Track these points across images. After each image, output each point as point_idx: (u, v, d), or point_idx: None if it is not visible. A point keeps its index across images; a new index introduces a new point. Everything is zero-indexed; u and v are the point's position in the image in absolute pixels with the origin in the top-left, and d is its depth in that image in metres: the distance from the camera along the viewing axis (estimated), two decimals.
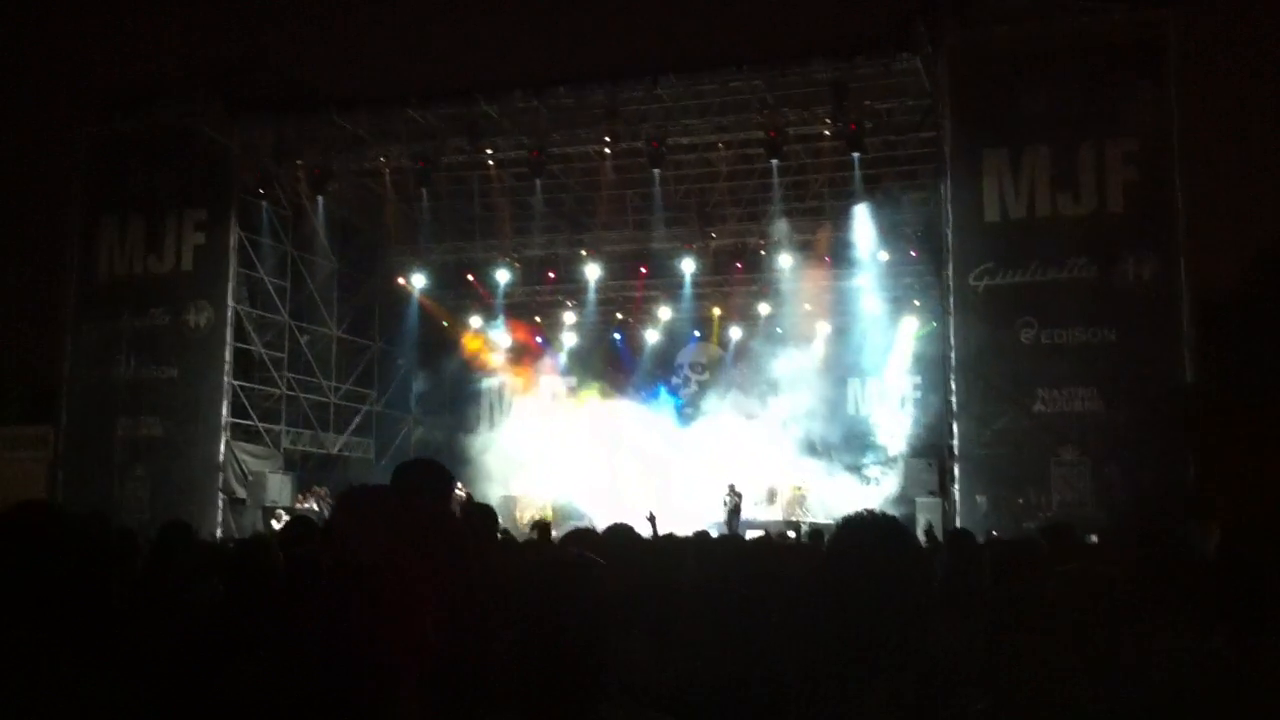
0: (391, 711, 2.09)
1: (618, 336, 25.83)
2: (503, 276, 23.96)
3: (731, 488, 21.39)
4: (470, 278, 24.26)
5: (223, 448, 20.35)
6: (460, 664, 2.41)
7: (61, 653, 2.30)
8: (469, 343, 25.81)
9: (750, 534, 18.57)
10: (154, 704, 2.42)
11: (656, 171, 19.53)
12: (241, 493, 20.49)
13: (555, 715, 2.28)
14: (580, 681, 2.33)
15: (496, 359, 26.20)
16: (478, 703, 2.44)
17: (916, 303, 22.81)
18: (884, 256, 21.59)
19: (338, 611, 2.11)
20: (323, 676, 2.08)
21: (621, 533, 6.06)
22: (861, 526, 2.71)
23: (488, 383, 26.53)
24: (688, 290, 23.79)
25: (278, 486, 21.03)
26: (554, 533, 19.01)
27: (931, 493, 19.22)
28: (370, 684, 2.07)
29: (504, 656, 2.41)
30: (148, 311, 20.53)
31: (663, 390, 25.24)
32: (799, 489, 22.12)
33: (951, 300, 17.14)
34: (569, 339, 25.79)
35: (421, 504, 3.34)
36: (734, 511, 21.03)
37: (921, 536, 14.60)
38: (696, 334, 25.64)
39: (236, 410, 20.80)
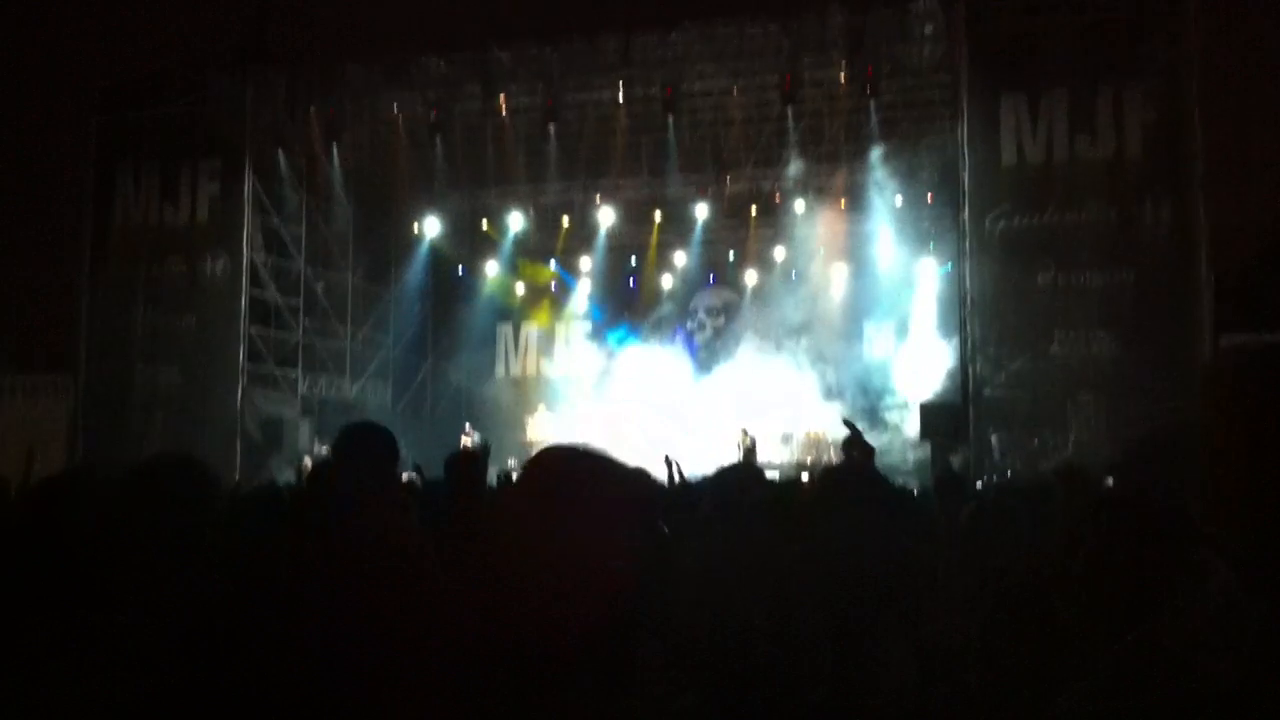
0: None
1: (633, 281, 25.82)
2: (517, 223, 23.97)
3: (745, 431, 21.49)
4: (485, 224, 24.28)
5: (240, 394, 20.47)
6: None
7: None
8: (484, 288, 25.85)
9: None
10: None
11: (671, 118, 19.46)
12: (260, 438, 20.64)
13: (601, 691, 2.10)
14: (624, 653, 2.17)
15: (511, 304, 26.26)
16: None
17: (933, 246, 22.74)
18: (900, 200, 21.52)
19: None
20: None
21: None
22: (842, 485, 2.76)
23: (502, 327, 26.59)
24: (701, 235, 23.77)
25: (297, 432, 21.19)
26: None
27: (948, 435, 19.27)
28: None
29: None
30: (164, 261, 20.60)
31: (678, 334, 25.26)
32: (815, 433, 22.20)
33: (968, 244, 17.12)
34: (584, 285, 25.80)
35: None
36: (748, 454, 21.13)
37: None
38: (712, 278, 25.62)
39: (253, 357, 20.88)
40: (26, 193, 23.10)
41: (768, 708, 2.47)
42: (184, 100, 20.30)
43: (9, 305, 23.46)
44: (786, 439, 22.48)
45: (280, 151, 21.16)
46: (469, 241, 25.04)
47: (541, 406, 24.10)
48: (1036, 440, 16.58)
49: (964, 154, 17.10)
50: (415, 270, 24.94)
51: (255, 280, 20.94)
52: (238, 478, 19.16)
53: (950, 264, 20.74)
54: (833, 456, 21.67)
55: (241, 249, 20.46)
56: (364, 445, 4.00)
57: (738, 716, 2.52)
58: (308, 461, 19.35)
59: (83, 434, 20.66)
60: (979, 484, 13.09)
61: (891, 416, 22.20)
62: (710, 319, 25.27)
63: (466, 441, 21.38)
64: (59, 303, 22.25)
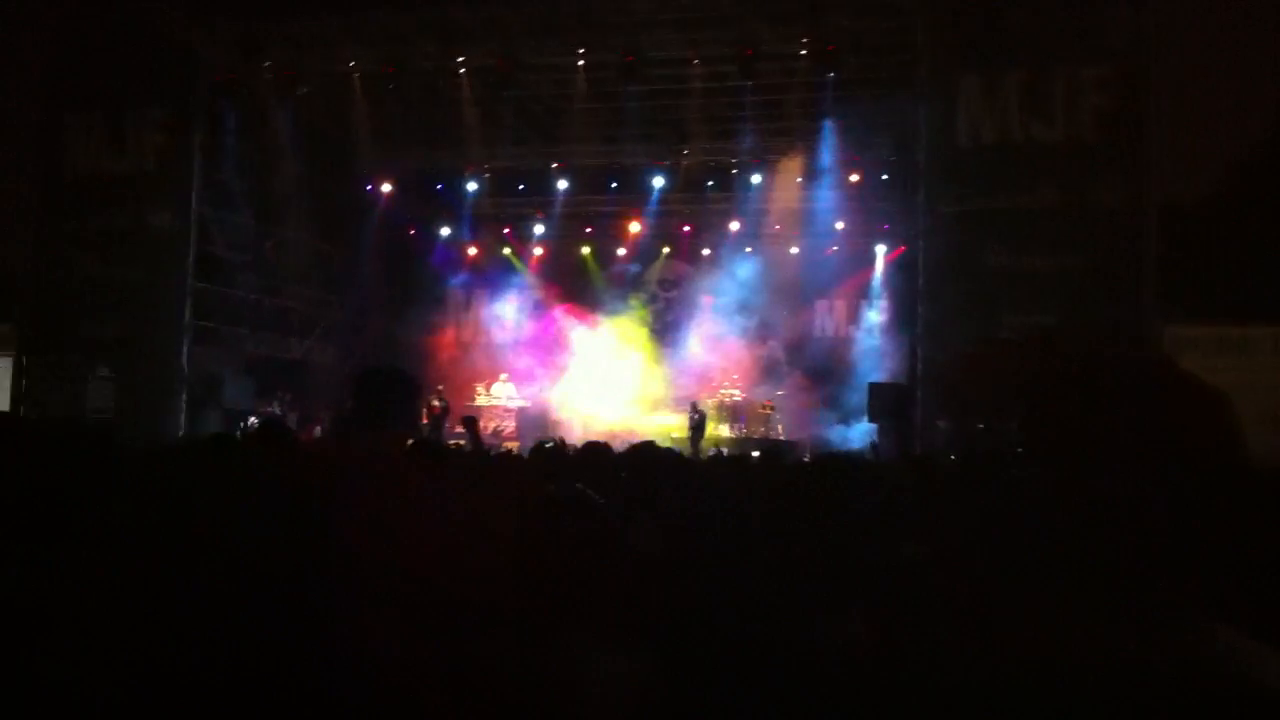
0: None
1: (586, 250, 25.71)
2: (471, 186, 23.78)
3: (694, 405, 21.51)
4: (439, 186, 24.07)
5: (185, 350, 20.20)
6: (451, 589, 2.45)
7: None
8: (436, 251, 25.68)
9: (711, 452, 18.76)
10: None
11: (629, 86, 19.30)
12: (201, 394, 20.40)
13: (540, 646, 2.32)
14: (567, 618, 2.38)
15: (464, 269, 26.10)
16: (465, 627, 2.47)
17: (887, 226, 22.81)
18: (855, 178, 21.53)
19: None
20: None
21: (599, 451, 6.11)
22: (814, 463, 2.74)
23: (454, 292, 26.44)
24: (657, 206, 23.69)
25: (240, 389, 20.96)
26: (518, 445, 19.16)
27: (896, 415, 19.34)
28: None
29: (496, 587, 2.44)
30: (110, 211, 20.21)
31: (631, 305, 25.19)
32: (766, 407, 22.25)
33: (921, 224, 17.14)
34: (537, 251, 25.68)
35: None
36: (697, 429, 21.16)
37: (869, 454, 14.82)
38: (666, 250, 25.57)
39: (199, 313, 20.60)
40: None
41: (721, 674, 2.43)
42: (134, 48, 19.88)
43: None
44: (736, 413, 22.53)
45: (231, 103, 20.78)
46: (422, 203, 24.81)
47: (492, 372, 23.96)
48: (982, 425, 16.65)
49: (921, 134, 17.10)
50: (367, 230, 24.69)
51: (203, 235, 20.62)
52: (180, 433, 19.00)
53: (903, 246, 20.83)
54: (780, 432, 21.78)
55: (189, 202, 20.13)
56: (389, 388, 4.10)
57: (691, 680, 2.49)
58: (253, 421, 19.19)
59: (25, 385, 20.36)
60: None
61: (840, 393, 22.26)
62: (663, 291, 25.24)
63: (435, 403, 21.28)
64: (3, 253, 21.88)
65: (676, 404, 22.85)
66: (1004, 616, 2.16)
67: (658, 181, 22.73)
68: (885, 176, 21.33)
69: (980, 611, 2.24)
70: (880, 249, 23.33)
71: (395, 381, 4.18)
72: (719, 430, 21.91)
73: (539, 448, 7.33)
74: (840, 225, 23.10)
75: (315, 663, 2.16)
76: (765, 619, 2.53)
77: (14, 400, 20.22)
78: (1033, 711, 1.72)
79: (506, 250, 25.99)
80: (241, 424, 18.78)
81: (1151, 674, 1.63)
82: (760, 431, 21.85)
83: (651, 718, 2.33)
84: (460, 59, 19.64)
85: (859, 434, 20.18)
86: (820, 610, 2.50)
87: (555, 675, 2.32)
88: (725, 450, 18.42)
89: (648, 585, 3.01)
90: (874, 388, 20.20)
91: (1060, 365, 1.85)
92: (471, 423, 8.28)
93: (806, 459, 17.89)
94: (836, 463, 3.16)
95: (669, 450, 6.60)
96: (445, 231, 25.42)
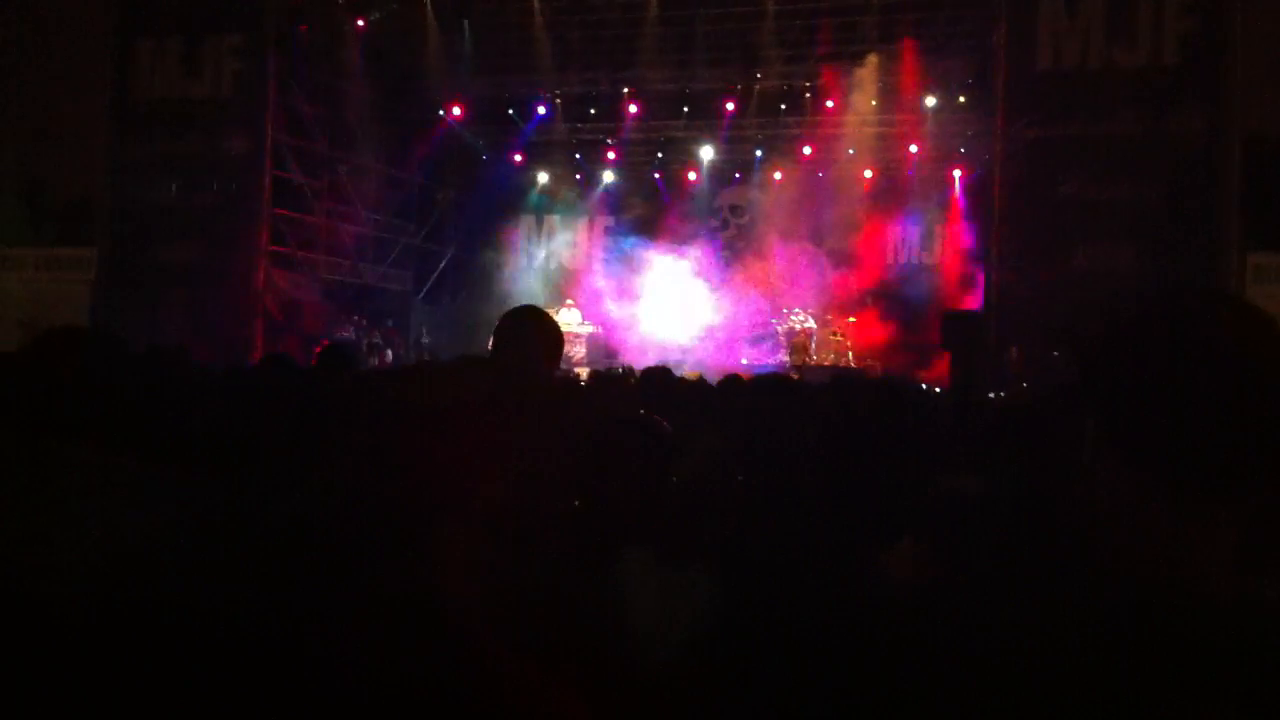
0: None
1: (658, 176, 25.59)
2: (542, 112, 23.72)
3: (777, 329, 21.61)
4: (510, 112, 24.02)
5: (261, 275, 20.50)
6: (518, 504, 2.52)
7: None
8: (507, 177, 25.70)
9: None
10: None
11: (700, 10, 19.11)
12: (283, 319, 20.72)
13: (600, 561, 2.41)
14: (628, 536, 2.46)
15: (536, 195, 26.12)
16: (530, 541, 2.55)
17: (963, 151, 22.41)
18: (932, 102, 21.15)
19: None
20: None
21: (659, 376, 6.14)
22: (854, 388, 2.75)
23: (526, 218, 26.49)
24: (729, 131, 23.47)
25: (316, 315, 21.25)
26: (586, 370, 19.28)
27: (969, 345, 19.14)
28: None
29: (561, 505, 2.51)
30: (186, 136, 20.45)
31: (703, 231, 25.06)
32: (837, 335, 22.08)
33: (998, 150, 16.85)
34: (608, 177, 25.61)
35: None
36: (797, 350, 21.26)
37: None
38: (738, 175, 25.36)
39: (274, 238, 20.86)
40: (47, 67, 22.93)
41: (773, 594, 2.49)
42: None
43: (31, 180, 23.45)
44: (810, 340, 22.38)
45: (303, 29, 20.85)
46: (493, 130, 24.80)
47: (562, 298, 24.02)
48: (1056, 354, 16.44)
49: (999, 57, 16.76)
50: (439, 157, 24.76)
51: (277, 160, 20.81)
52: (259, 357, 19.35)
53: (979, 172, 20.50)
54: (851, 360, 21.67)
55: (263, 128, 20.30)
56: (532, 329, 3.96)
57: (743, 598, 2.55)
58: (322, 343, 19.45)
59: (103, 309, 20.78)
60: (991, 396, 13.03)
61: (915, 321, 22.00)
62: (734, 217, 25.07)
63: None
64: (80, 177, 22.22)
65: (749, 332, 22.85)
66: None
67: (730, 106, 22.49)
68: (962, 100, 20.91)
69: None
70: (956, 174, 22.94)
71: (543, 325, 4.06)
72: (794, 358, 21.83)
73: (604, 374, 7.40)
74: (914, 149, 22.73)
75: (386, 574, 2.22)
76: (815, 545, 2.57)
77: (92, 324, 20.62)
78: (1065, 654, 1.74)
79: (577, 176, 25.93)
80: (316, 348, 19.06)
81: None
82: (831, 359, 21.74)
83: (705, 630, 2.38)
84: None
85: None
86: (869, 539, 2.53)
87: (613, 588, 2.39)
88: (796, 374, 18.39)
89: (704, 508, 3.06)
90: (946, 317, 19.99)
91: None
92: None
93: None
94: (888, 392, 3.15)
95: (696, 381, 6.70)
96: (517, 158, 25.40)
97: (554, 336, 3.97)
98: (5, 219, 22.84)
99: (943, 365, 19.22)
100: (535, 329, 3.96)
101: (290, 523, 2.35)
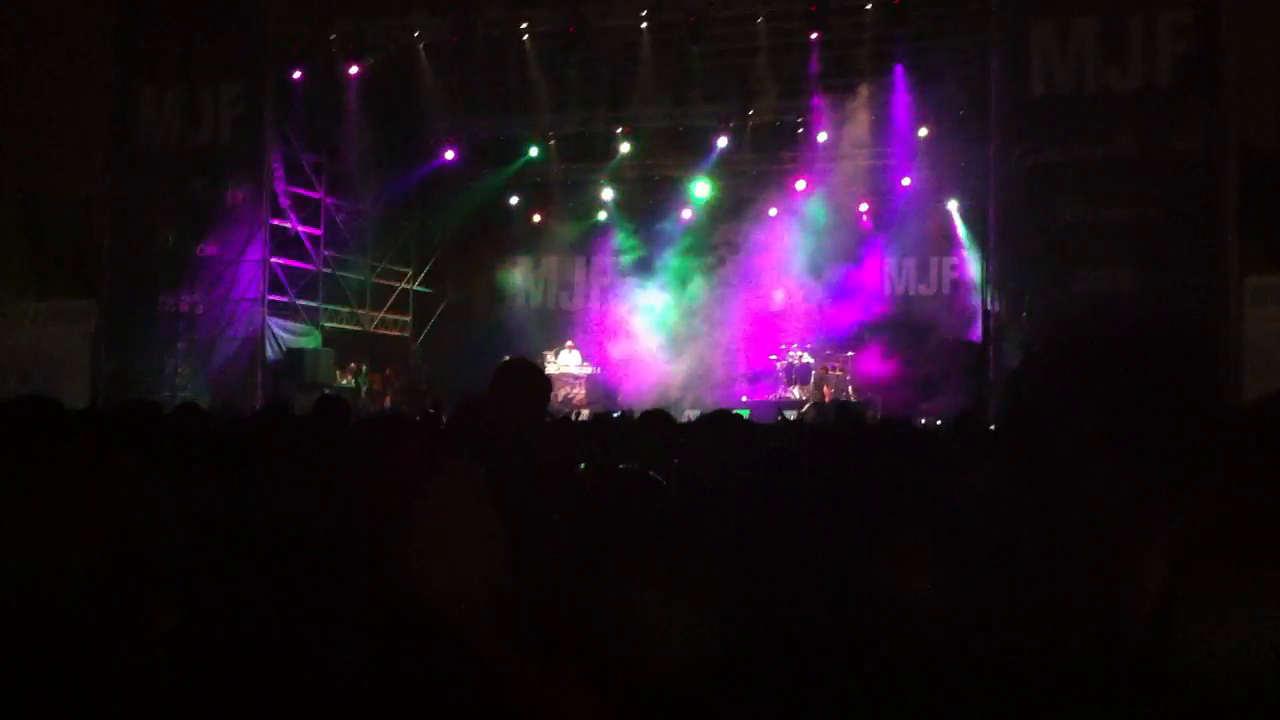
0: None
1: (653, 214, 25.65)
2: (538, 151, 23.83)
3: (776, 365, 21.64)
4: (508, 152, 24.13)
5: (262, 323, 20.50)
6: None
7: None
8: (505, 218, 25.77)
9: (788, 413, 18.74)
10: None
11: (696, 47, 19.27)
12: (284, 368, 20.70)
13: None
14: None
15: (533, 235, 26.16)
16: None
17: (959, 181, 22.50)
18: (925, 133, 21.26)
19: None
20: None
21: (659, 419, 6.19)
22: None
23: (524, 259, 26.51)
24: (723, 168, 23.57)
25: (317, 362, 21.23)
26: (584, 413, 19.30)
27: (970, 372, 19.19)
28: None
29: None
30: (186, 184, 20.55)
31: (697, 267, 25.06)
32: (836, 368, 22.06)
33: (994, 178, 16.94)
34: (603, 216, 25.67)
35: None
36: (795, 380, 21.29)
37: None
38: (732, 211, 25.39)
39: (274, 287, 20.89)
40: (47, 116, 23.00)
41: (779, 611, 2.49)
42: (205, 19, 20.12)
43: (29, 231, 23.46)
44: (805, 375, 22.37)
45: (301, 75, 20.97)
46: (490, 170, 24.88)
47: (561, 338, 24.00)
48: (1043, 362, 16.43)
49: (992, 85, 16.89)
50: (436, 200, 24.86)
51: (275, 209, 20.88)
52: (258, 407, 19.28)
53: (975, 201, 20.61)
54: (851, 394, 21.66)
55: (262, 175, 20.40)
56: (523, 379, 4.61)
57: (750, 617, 2.55)
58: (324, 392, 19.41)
59: (105, 361, 20.74)
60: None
61: (910, 354, 22.04)
62: (730, 253, 25.07)
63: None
64: (80, 228, 22.22)
65: (745, 367, 22.84)
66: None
67: (724, 142, 22.61)
68: (957, 130, 21.01)
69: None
70: (951, 204, 23.01)
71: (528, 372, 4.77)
72: (791, 391, 21.81)
73: (605, 417, 7.56)
74: (907, 182, 22.79)
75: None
76: (817, 546, 2.57)
77: (94, 374, 20.56)
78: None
79: (573, 216, 25.98)
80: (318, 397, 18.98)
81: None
82: (830, 393, 21.72)
83: (705, 646, 2.39)
84: (525, 25, 19.72)
85: None
86: (870, 540, 2.54)
87: (616, 613, 2.40)
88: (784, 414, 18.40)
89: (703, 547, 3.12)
90: (950, 344, 20.06)
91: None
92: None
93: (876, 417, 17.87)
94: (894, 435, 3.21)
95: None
96: (513, 199, 25.49)
97: (541, 386, 4.66)
98: (5, 272, 22.84)
99: (946, 396, 19.27)
100: (524, 379, 4.61)
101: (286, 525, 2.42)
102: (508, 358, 4.93)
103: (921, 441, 3.67)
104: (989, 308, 17.52)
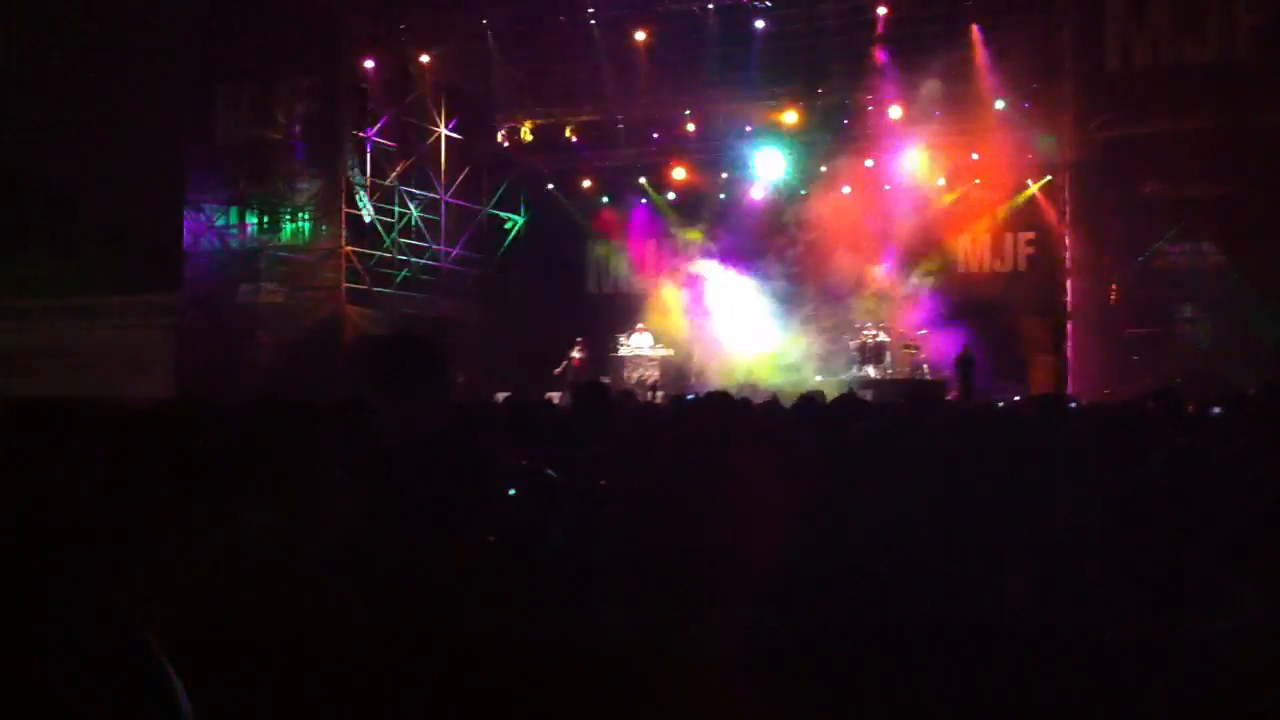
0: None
1: (723, 196, 25.55)
2: (608, 138, 23.85)
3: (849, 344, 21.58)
4: (575, 140, 24.16)
5: (342, 314, 20.78)
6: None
7: None
8: (576, 205, 25.85)
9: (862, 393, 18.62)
10: None
11: (760, 25, 19.14)
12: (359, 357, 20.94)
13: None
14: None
15: (604, 220, 26.21)
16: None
17: (1032, 156, 22.11)
18: (999, 107, 20.93)
19: None
20: None
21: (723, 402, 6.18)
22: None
23: (596, 244, 26.58)
24: (793, 147, 23.42)
25: None
26: (659, 394, 19.32)
27: (1047, 350, 18.97)
28: None
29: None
30: (263, 179, 20.89)
31: (768, 248, 24.92)
32: (910, 346, 21.85)
33: (1070, 152, 16.67)
34: (671, 196, 25.63)
35: None
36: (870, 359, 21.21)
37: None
38: (803, 192, 25.20)
39: (350, 276, 21.14)
40: (128, 115, 23.49)
41: (874, 631, 2.46)
42: (279, 17, 20.39)
43: (111, 227, 23.99)
44: (880, 353, 22.20)
45: (373, 67, 21.18)
46: (560, 158, 24.94)
47: (635, 322, 24.03)
48: (1136, 357, 16.19)
49: (1068, 59, 16.60)
50: (507, 187, 25.01)
51: (350, 200, 21.12)
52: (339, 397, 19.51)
53: (1049, 176, 20.30)
54: (926, 371, 21.48)
55: (338, 167, 20.66)
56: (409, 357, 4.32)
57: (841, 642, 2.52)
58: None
59: (187, 354, 21.14)
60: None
61: (988, 330, 21.74)
62: (802, 233, 24.91)
63: (576, 355, 21.62)
64: (161, 224, 22.67)
65: (818, 347, 22.71)
66: None
67: (791, 120, 22.44)
68: (1027, 105, 20.65)
69: None
70: (1027, 181, 22.64)
71: (415, 350, 4.36)
72: (865, 371, 21.67)
73: (680, 399, 7.51)
74: (976, 155, 22.41)
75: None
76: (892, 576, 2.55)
77: (177, 368, 20.96)
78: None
79: (643, 199, 25.98)
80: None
81: None
82: (906, 371, 21.54)
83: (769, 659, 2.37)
84: (591, 10, 19.73)
85: None
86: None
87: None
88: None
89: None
90: (1026, 322, 19.70)
91: None
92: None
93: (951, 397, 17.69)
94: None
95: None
96: (584, 183, 25.54)
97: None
98: (88, 267, 23.38)
99: (1022, 375, 19.07)
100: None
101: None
102: (384, 337, 4.63)
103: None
104: (1069, 282, 17.26)
